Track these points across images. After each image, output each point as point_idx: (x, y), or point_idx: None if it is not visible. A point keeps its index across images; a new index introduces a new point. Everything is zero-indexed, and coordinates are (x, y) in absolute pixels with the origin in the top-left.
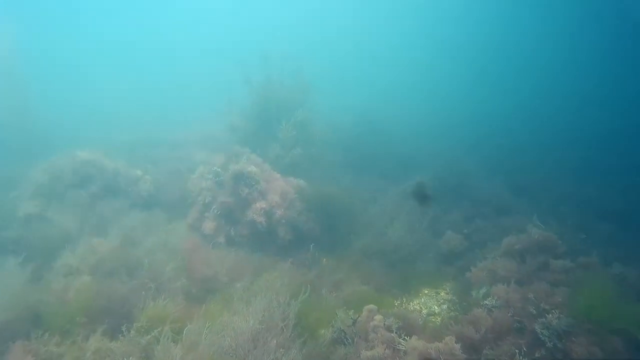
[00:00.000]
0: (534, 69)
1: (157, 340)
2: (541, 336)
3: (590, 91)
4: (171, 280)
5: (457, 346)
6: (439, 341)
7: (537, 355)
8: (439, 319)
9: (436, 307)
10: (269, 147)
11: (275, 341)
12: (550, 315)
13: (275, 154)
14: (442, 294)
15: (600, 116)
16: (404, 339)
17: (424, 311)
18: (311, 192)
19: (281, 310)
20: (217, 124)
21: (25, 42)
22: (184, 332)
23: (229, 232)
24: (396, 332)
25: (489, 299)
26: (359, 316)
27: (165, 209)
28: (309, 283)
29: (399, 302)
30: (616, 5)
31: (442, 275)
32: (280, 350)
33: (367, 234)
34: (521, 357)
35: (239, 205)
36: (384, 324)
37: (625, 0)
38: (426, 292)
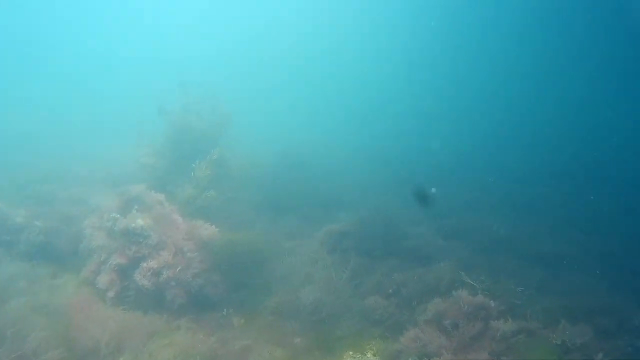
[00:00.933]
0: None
1: None
2: None
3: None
4: (38, 353)
5: None
6: None
7: None
8: None
9: None
10: (182, 187)
11: None
12: None
13: (187, 195)
14: (369, 355)
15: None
16: None
17: None
18: (219, 244)
19: None
20: (127, 158)
21: None
22: None
23: (123, 288)
24: None
25: None
26: None
27: (57, 261)
28: (209, 352)
29: None
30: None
31: (367, 334)
32: None
33: (282, 291)
34: None
35: (131, 262)
36: None
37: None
38: (351, 353)
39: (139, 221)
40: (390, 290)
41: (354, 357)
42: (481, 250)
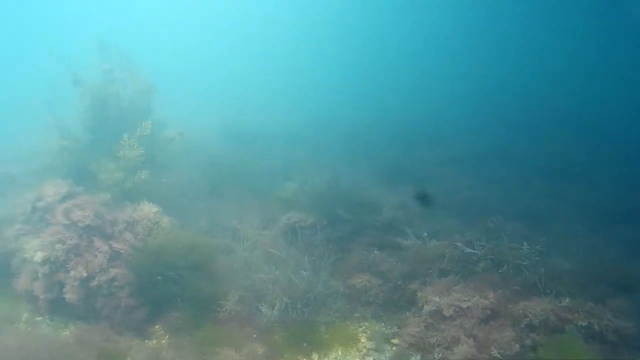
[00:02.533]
0: None
1: None
2: None
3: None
4: None
5: None
6: None
7: None
8: None
9: None
10: (107, 169)
11: None
12: None
13: (114, 179)
14: (363, 340)
15: None
16: None
17: None
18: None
19: None
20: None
21: None
22: None
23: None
24: None
25: None
26: None
27: None
28: None
29: None
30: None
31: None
32: None
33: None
34: None
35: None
36: None
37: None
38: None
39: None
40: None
41: (348, 346)
42: (465, 214)
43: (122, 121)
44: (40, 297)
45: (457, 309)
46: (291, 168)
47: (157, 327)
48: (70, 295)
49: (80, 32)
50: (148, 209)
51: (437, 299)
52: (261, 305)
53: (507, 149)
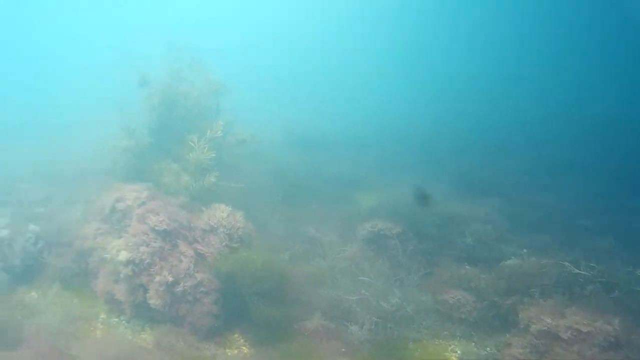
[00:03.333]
0: None
1: None
2: None
3: None
4: None
5: None
6: None
7: None
8: None
9: None
10: (172, 172)
11: None
12: None
13: (182, 183)
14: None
15: None
16: None
17: None
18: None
19: None
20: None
21: None
22: None
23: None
24: None
25: None
26: None
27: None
28: None
29: None
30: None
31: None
32: None
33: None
34: None
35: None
36: None
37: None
38: None
39: (123, 255)
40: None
41: None
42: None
43: (188, 122)
44: (123, 300)
45: (575, 333)
46: (363, 177)
47: (235, 335)
48: (154, 301)
49: (149, 33)
50: (226, 214)
51: (548, 319)
52: (349, 323)
53: (587, 160)
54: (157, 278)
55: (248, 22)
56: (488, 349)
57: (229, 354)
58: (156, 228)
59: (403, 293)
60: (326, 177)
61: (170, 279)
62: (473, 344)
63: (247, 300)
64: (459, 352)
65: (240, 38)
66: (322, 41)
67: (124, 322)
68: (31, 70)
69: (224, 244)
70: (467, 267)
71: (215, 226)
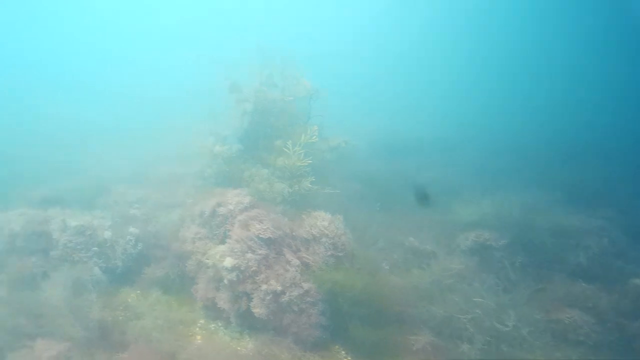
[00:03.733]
0: None
1: None
2: None
3: None
4: None
5: None
6: None
7: None
8: None
9: None
10: (261, 179)
11: None
12: None
13: (276, 190)
14: None
15: None
16: None
17: None
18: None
19: None
20: (195, 146)
21: None
22: None
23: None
24: None
25: None
26: None
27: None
28: None
29: None
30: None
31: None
32: None
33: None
34: None
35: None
36: None
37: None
38: None
39: (228, 261)
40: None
41: None
42: None
43: (278, 129)
44: (225, 308)
45: None
46: (458, 182)
47: (336, 347)
48: (259, 310)
49: (237, 37)
50: (327, 223)
51: None
52: (459, 342)
53: None
54: (264, 287)
55: (329, 28)
56: None
57: None
58: (260, 236)
59: (515, 311)
60: (418, 183)
61: (279, 287)
62: None
63: (347, 320)
64: None
65: (322, 44)
66: (401, 45)
67: (222, 327)
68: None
69: (329, 253)
70: (582, 284)
71: (318, 235)
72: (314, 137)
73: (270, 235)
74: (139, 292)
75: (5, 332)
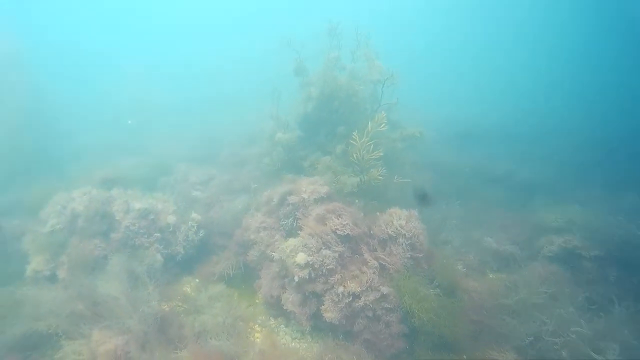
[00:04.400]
0: None
1: None
2: None
3: None
4: None
5: None
6: None
7: None
8: None
9: None
10: (325, 169)
11: None
12: None
13: (345, 182)
14: None
15: None
16: None
17: None
18: None
19: None
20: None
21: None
22: None
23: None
24: None
25: None
26: None
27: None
28: None
29: None
30: None
31: None
32: None
33: None
34: None
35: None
36: None
37: None
38: None
39: (301, 257)
40: None
41: None
42: None
43: (345, 115)
44: (292, 310)
45: None
46: (538, 178)
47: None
48: (331, 314)
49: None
50: (405, 221)
51: None
52: None
53: None
54: (340, 289)
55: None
56: None
57: None
58: (338, 232)
59: (616, 340)
60: (495, 177)
61: (358, 289)
62: None
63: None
64: None
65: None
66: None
67: (282, 326)
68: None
69: (407, 254)
70: None
71: (394, 235)
72: (383, 125)
73: (349, 232)
74: (198, 281)
75: (62, 317)
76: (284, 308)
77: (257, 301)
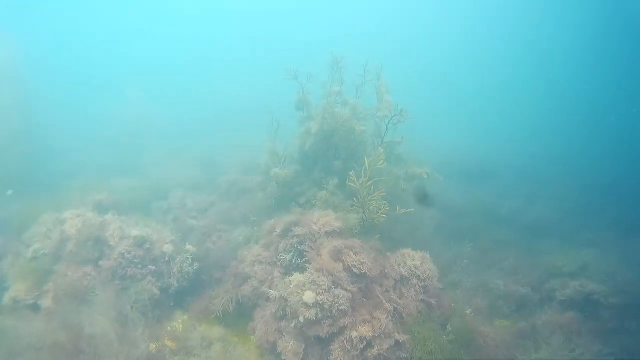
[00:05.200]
0: None
1: None
2: None
3: None
4: None
5: None
6: None
7: None
8: None
9: None
10: (324, 204)
11: None
12: None
13: (352, 221)
14: None
15: None
16: None
17: None
18: None
19: None
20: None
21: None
22: None
23: None
24: None
25: None
26: None
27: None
28: None
29: None
30: None
31: None
32: None
33: None
34: None
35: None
36: None
37: None
38: None
39: (309, 295)
40: None
41: None
42: None
43: (344, 149)
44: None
45: None
46: (550, 219)
47: None
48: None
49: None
50: (419, 262)
51: None
52: None
53: None
54: (354, 334)
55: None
56: None
57: None
58: (354, 269)
59: None
60: (503, 218)
61: (370, 334)
62: None
63: None
64: None
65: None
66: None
67: None
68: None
69: (420, 297)
70: None
71: (408, 276)
72: (381, 162)
73: (367, 271)
74: (189, 318)
75: (42, 350)
76: (283, 358)
77: (250, 346)
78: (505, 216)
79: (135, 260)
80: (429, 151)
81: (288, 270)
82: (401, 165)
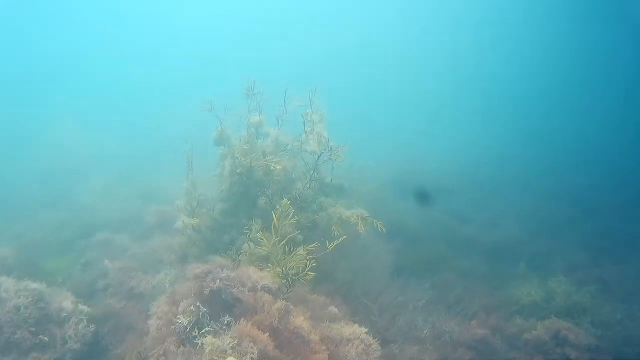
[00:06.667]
0: None
1: None
2: None
3: None
4: None
5: None
6: None
7: None
8: None
9: None
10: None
11: None
12: None
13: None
14: None
15: None
16: None
17: None
18: None
19: None
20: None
21: None
22: None
23: None
24: None
25: None
26: None
27: None
28: None
29: None
30: None
31: None
32: None
33: None
34: None
35: None
36: None
37: None
38: None
39: None
40: None
41: None
42: None
43: (274, 185)
44: None
45: None
46: (518, 242)
47: None
48: None
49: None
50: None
51: None
52: None
53: None
54: None
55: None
56: None
57: None
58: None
59: None
60: (461, 240)
61: None
62: None
63: None
64: None
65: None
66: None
67: None
68: None
69: None
70: None
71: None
72: (292, 218)
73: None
74: None
75: None
76: None
77: None
78: (472, 239)
79: (30, 321)
80: (381, 167)
81: (186, 340)
82: (338, 201)
